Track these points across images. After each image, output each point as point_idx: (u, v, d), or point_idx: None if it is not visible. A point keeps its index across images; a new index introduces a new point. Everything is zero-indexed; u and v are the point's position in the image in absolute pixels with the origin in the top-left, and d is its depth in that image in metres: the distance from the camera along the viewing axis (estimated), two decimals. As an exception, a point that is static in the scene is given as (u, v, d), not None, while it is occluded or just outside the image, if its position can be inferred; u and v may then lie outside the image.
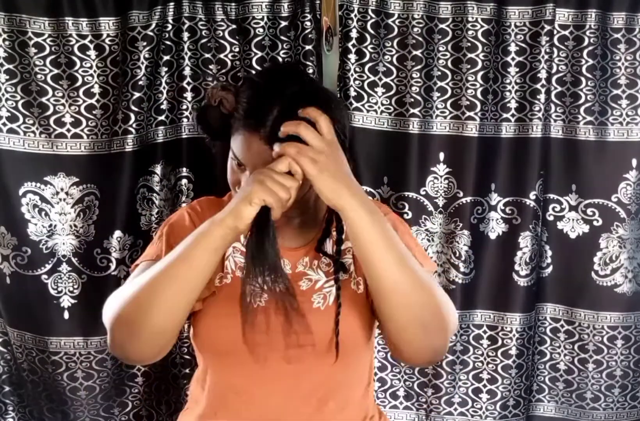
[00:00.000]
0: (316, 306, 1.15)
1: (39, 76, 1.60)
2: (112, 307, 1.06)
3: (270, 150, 1.02)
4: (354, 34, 1.64)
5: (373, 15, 1.64)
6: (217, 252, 1.01)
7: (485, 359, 1.78)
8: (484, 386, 1.79)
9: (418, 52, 1.65)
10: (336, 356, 1.13)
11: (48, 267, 1.68)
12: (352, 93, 1.67)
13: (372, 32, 1.64)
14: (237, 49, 1.64)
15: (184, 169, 1.67)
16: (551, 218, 1.73)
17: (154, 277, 1.02)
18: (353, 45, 1.65)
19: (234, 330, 1.11)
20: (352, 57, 1.65)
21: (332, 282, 1.16)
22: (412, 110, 1.66)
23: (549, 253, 1.74)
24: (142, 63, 1.60)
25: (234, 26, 1.63)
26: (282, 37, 1.63)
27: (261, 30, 1.62)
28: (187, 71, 1.65)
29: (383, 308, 1.05)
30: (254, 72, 1.63)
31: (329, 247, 1.19)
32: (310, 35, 1.61)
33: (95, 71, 1.61)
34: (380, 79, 1.67)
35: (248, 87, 1.12)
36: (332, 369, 1.16)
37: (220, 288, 1.17)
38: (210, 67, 1.65)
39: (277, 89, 1.07)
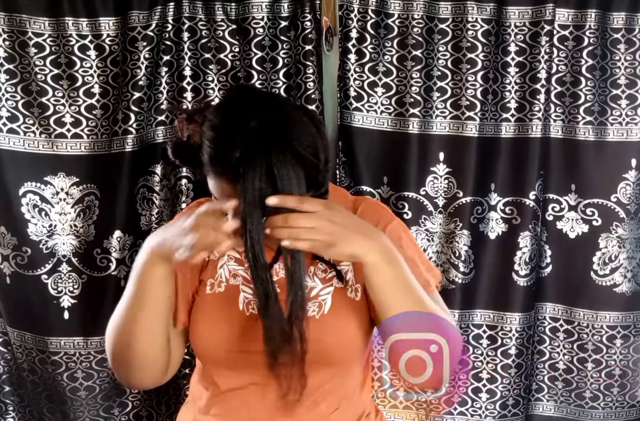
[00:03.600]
0: (311, 314, 1.13)
1: (39, 76, 1.60)
2: (107, 343, 1.18)
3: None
4: (354, 34, 1.64)
5: (373, 15, 1.64)
6: (167, 281, 1.10)
7: (484, 359, 1.78)
8: (484, 385, 1.80)
9: (418, 52, 1.65)
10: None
11: (48, 267, 1.68)
12: (352, 93, 1.67)
13: (372, 32, 1.64)
14: (237, 49, 1.64)
15: (184, 169, 1.67)
16: (551, 218, 1.73)
17: (126, 311, 1.12)
18: (353, 45, 1.65)
19: (227, 338, 1.13)
20: (352, 57, 1.65)
21: (328, 289, 1.15)
22: (412, 110, 1.66)
23: (549, 253, 1.74)
24: (142, 63, 1.60)
25: (234, 26, 1.63)
26: (282, 37, 1.63)
27: (261, 30, 1.62)
28: (187, 71, 1.65)
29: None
30: (250, 76, 1.63)
31: None
32: (310, 35, 1.61)
33: (95, 71, 1.61)
34: (380, 79, 1.67)
35: (208, 127, 1.06)
36: (326, 375, 1.16)
37: (212, 295, 1.17)
38: (210, 67, 1.64)
39: (236, 129, 1.02)
